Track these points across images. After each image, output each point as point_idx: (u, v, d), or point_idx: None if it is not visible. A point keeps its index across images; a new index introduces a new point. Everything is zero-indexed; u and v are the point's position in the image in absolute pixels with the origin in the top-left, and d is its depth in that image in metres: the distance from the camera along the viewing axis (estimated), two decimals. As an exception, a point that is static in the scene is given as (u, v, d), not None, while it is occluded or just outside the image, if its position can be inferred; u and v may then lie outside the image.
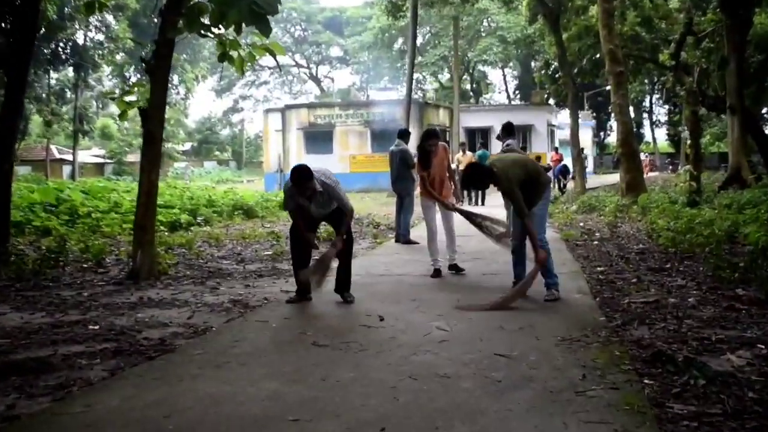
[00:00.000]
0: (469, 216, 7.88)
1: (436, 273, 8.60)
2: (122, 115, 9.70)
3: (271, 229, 14.83)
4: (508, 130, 12.09)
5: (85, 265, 10.03)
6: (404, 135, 12.85)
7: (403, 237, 12.19)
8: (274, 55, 9.02)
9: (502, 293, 6.99)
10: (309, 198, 6.83)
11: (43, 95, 45.60)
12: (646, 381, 4.37)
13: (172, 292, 8.03)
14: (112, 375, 4.83)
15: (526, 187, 6.73)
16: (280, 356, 5.16)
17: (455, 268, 8.81)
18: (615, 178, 29.94)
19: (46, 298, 7.75)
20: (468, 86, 62.17)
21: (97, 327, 6.24)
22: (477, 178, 6.93)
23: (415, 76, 51.78)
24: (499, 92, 72.37)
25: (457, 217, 8.55)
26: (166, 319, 6.57)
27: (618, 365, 4.67)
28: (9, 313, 6.94)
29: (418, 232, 12.49)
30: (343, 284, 7.23)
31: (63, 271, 9.61)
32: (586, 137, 46.66)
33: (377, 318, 6.36)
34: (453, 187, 9.11)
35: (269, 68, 70.33)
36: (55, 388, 4.56)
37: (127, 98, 9.70)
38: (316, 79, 75.03)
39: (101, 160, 58.53)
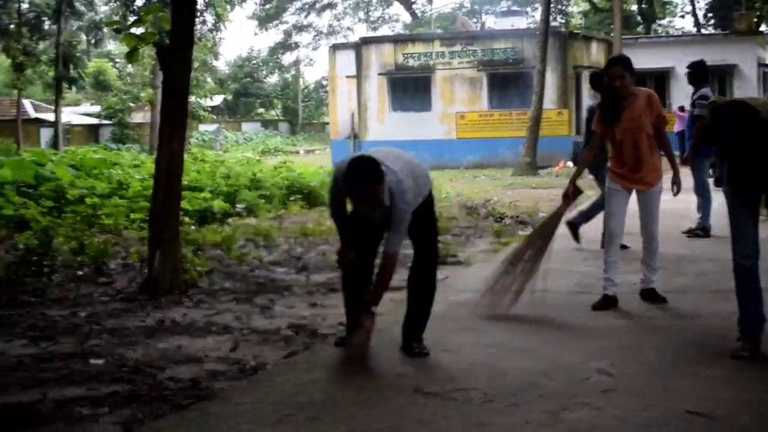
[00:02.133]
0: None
1: (605, 302, 8.01)
2: (131, 55, 9.93)
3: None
4: (699, 71, 11.91)
5: (80, 273, 10.36)
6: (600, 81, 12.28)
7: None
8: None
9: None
10: (370, 208, 6.21)
11: (11, 26, 47.07)
12: None
13: (206, 312, 8.23)
14: (127, 430, 5.00)
15: None
16: (367, 409, 5.26)
17: (651, 297, 8.18)
18: None
19: (27, 319, 8.03)
20: (634, 7, 61.32)
21: (101, 361, 6.46)
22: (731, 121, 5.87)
23: (555, -7, 51.34)
24: (683, 16, 71.17)
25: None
26: (199, 351, 6.75)
27: None
28: (-25, 341, 7.25)
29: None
30: (412, 329, 6.67)
31: (48, 280, 9.95)
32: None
33: (507, 353, 6.38)
34: (672, 165, 8.29)
35: (336, -17, 70.94)
36: (48, 447, 4.76)
37: (137, 30, 9.96)
38: (405, 1, 75.22)
39: (95, 121, 60.11)
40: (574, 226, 11.79)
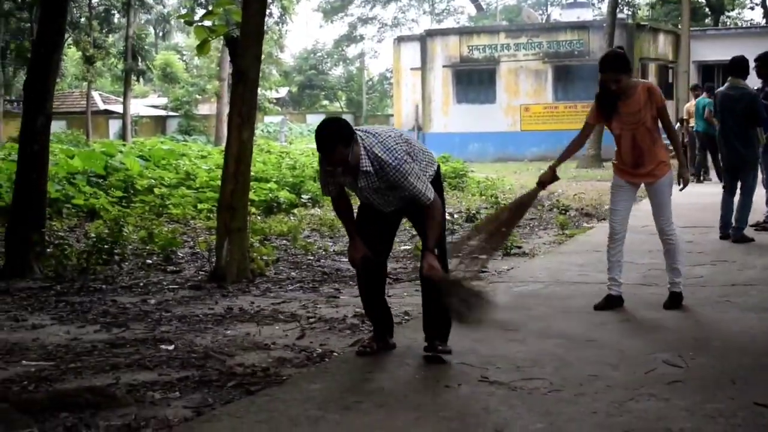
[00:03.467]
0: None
1: (608, 301, 7.71)
2: (202, 47, 10.10)
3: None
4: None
5: (149, 261, 10.56)
6: (739, 68, 11.83)
7: (734, 233, 11.70)
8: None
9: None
10: (353, 177, 5.93)
11: (82, 19, 47.68)
12: None
13: (273, 300, 8.35)
14: (198, 414, 5.09)
15: None
16: (433, 396, 5.31)
17: (674, 301, 7.72)
18: None
19: (99, 305, 8.22)
20: (702, -1, 60.62)
21: (171, 347, 6.58)
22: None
23: (622, -16, 50.93)
24: (752, 8, 70.09)
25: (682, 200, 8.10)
26: (267, 338, 6.85)
27: None
28: (50, 326, 7.43)
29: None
30: (434, 328, 6.27)
31: (119, 268, 10.16)
32: None
33: (573, 344, 6.42)
34: (678, 158, 8.02)
35: (401, -23, 70.98)
36: (121, 429, 4.85)
37: (208, 22, 10.10)
38: (470, -8, 75.09)
39: (162, 113, 60.74)
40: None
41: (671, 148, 8.20)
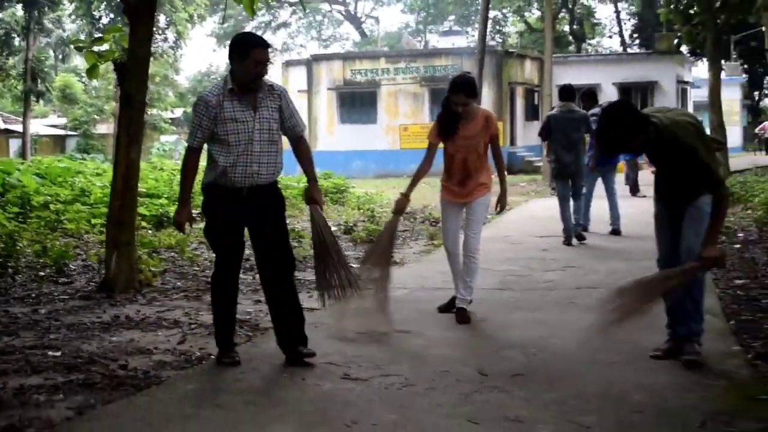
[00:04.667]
0: None
1: (449, 304, 7.77)
2: (92, 71, 10.09)
3: (292, 226, 15.16)
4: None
5: (42, 273, 10.43)
6: (569, 94, 13.11)
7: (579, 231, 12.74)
8: (294, -10, 9.31)
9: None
10: (253, 103, 6.11)
11: (-19, 43, 46.72)
12: (788, 430, 4.54)
13: (158, 309, 8.37)
14: (79, 414, 5.14)
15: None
16: (299, 393, 5.45)
17: (462, 316, 7.51)
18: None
19: (-8, 315, 8.14)
20: (566, 28, 61.98)
21: (58, 353, 6.58)
22: (619, 127, 5.61)
23: (492, 14, 51.89)
24: (610, 36, 72.04)
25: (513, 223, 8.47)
26: (149, 343, 6.89)
27: (752, 409, 4.84)
28: (-58, 335, 7.34)
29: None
30: (292, 333, 6.23)
31: (12, 280, 10.02)
32: (732, 98, 46.32)
33: (429, 344, 6.61)
34: (501, 185, 7.90)
35: (290, 4, 70.99)
36: (6, 430, 4.88)
37: (98, 48, 10.08)
38: (355, 20, 75.45)
39: (61, 132, 59.72)
40: None
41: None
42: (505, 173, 7.97)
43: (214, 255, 6.73)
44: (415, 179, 7.86)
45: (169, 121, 60.19)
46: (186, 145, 6.33)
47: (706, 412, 4.80)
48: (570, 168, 12.52)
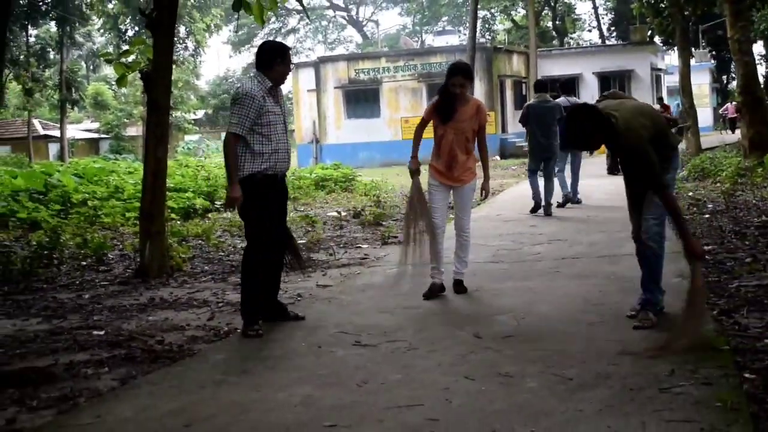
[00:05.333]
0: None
1: (433, 290, 7.49)
2: (120, 80, 10.24)
3: (305, 213, 15.31)
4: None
5: (84, 263, 10.60)
6: (543, 87, 14.24)
7: (546, 208, 13.25)
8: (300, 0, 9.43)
9: (587, 278, 7.29)
10: (279, 100, 6.69)
11: (21, 57, 46.83)
12: (746, 375, 4.68)
13: (189, 290, 8.53)
14: (123, 384, 5.31)
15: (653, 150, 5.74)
16: (315, 358, 5.60)
17: (460, 287, 7.60)
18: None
19: (41, 301, 8.31)
20: (549, 24, 61.89)
21: (102, 332, 6.75)
22: (583, 131, 5.76)
23: (482, 14, 51.83)
24: (590, 30, 71.87)
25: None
26: (182, 321, 7.06)
27: (714, 358, 4.97)
28: (-1, 321, 7.51)
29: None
30: (276, 292, 6.96)
31: (58, 270, 10.20)
32: (702, 82, 46.28)
33: (430, 312, 6.78)
34: (484, 172, 7.77)
35: (297, 12, 70.95)
36: (59, 399, 5.04)
37: (126, 59, 10.22)
38: (357, 24, 75.43)
39: (95, 136, 59.94)
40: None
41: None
42: (488, 162, 7.85)
43: (237, 242, 6.88)
44: (416, 143, 7.68)
45: (192, 122, 60.46)
46: (231, 132, 6.40)
47: (674, 362, 4.92)
48: (545, 150, 13.32)
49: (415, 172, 7.56)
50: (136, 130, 55.35)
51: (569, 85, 14.86)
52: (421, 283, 7.72)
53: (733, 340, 5.41)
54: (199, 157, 44.07)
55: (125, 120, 56.92)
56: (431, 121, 7.61)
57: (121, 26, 51.26)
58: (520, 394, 4.57)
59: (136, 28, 48.99)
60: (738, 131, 29.62)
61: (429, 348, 5.67)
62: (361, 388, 4.86)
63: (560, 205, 13.80)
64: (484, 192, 7.82)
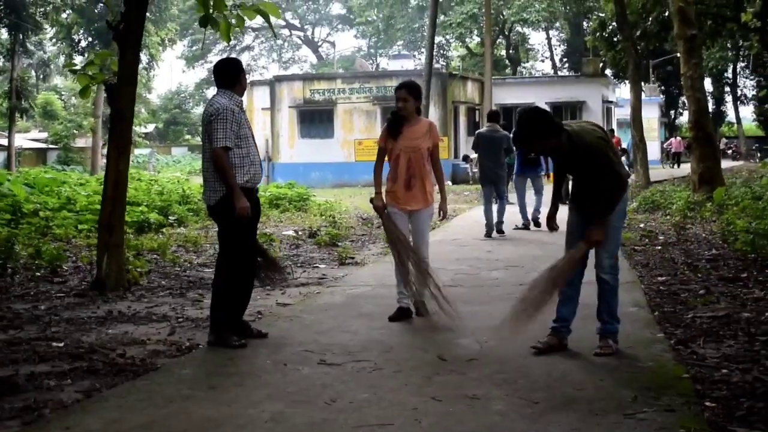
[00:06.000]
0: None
1: (400, 313, 7.44)
2: (84, 92, 10.19)
3: (263, 231, 15.29)
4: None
5: (38, 274, 10.48)
6: (496, 116, 15.05)
7: (498, 227, 14.06)
8: (267, 18, 9.48)
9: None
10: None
11: (-31, 64, 46.23)
12: (707, 403, 4.82)
13: (147, 305, 8.49)
14: (87, 396, 5.28)
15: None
16: (282, 376, 5.62)
17: (421, 308, 7.47)
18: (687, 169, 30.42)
19: (-5, 312, 8.20)
20: (503, 53, 62.61)
21: (62, 344, 6.68)
22: (533, 129, 5.91)
23: (437, 40, 52.21)
24: (543, 60, 72.96)
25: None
26: (142, 335, 7.01)
27: (675, 386, 5.10)
28: (-46, 331, 7.39)
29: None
30: (244, 308, 6.98)
31: (12, 280, 10.07)
32: (651, 116, 47.11)
33: (395, 333, 6.84)
34: (441, 192, 7.88)
35: (253, 30, 70.93)
36: (23, 410, 5.00)
37: (90, 70, 10.17)
38: (312, 44, 75.63)
39: (43, 146, 59.21)
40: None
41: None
42: (444, 182, 7.90)
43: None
44: (377, 180, 7.73)
45: (143, 135, 60.09)
46: (220, 147, 6.44)
47: (637, 389, 5.05)
48: (492, 175, 14.14)
49: (380, 208, 7.59)
50: (85, 142, 54.84)
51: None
52: (383, 305, 7.80)
53: (692, 369, 5.55)
54: (150, 171, 43.83)
55: (74, 131, 56.31)
56: (387, 148, 7.63)
57: (75, 36, 50.76)
58: (488, 416, 4.65)
59: (90, 39, 48.61)
60: (683, 165, 30.31)
61: (395, 368, 5.73)
62: (330, 406, 4.90)
63: (525, 227, 14.75)
64: (441, 212, 7.82)
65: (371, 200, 7.72)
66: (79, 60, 40.21)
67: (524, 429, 4.42)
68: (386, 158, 7.73)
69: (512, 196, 15.92)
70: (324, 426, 4.54)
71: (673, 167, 45.49)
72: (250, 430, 4.50)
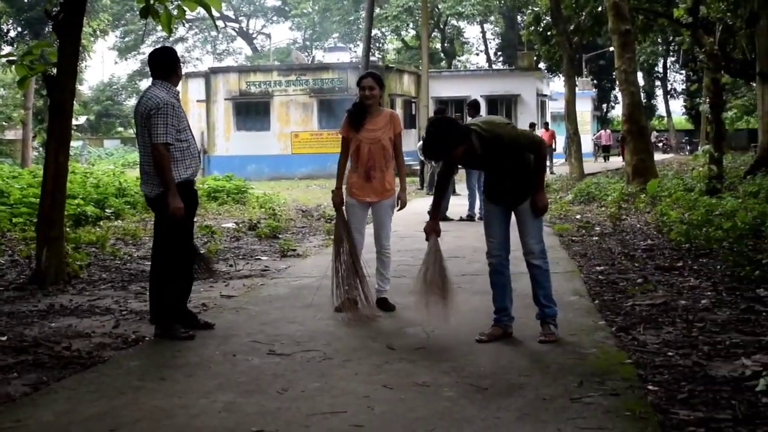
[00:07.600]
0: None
1: (346, 305, 7.34)
2: (22, 83, 10.02)
3: (202, 223, 15.22)
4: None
5: (-27, 268, 10.34)
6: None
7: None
8: (208, 9, 9.43)
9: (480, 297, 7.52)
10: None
11: None
12: (649, 387, 4.97)
13: (89, 298, 8.43)
14: (35, 390, 5.25)
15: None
16: (231, 366, 5.65)
17: (383, 304, 7.55)
18: (620, 161, 30.95)
19: (-71, 309, 8.08)
20: (438, 46, 62.92)
21: (4, 338, 6.62)
22: (441, 141, 6.03)
23: (374, 32, 52.31)
24: (477, 54, 73.39)
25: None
26: (87, 328, 6.98)
27: (618, 371, 5.25)
28: None
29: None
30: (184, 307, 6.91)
31: (-54, 274, 9.92)
32: (584, 110, 47.76)
33: (340, 324, 6.90)
34: (401, 182, 7.76)
35: (187, 21, 70.19)
36: (-32, 405, 4.96)
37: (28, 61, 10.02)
38: (247, 36, 75.14)
39: (-30, 138, 58.05)
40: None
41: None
42: (405, 172, 7.91)
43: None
44: (340, 173, 7.72)
45: (74, 127, 59.09)
46: (161, 143, 6.38)
47: (582, 374, 5.18)
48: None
49: (337, 204, 7.61)
50: (14, 134, 53.82)
51: (476, 105, 15.33)
52: (328, 296, 7.76)
53: (634, 355, 5.71)
54: (83, 164, 43.22)
55: (4, 123, 55.25)
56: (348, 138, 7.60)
57: (3, 26, 49.75)
58: (439, 402, 4.74)
59: (19, 29, 47.69)
60: (612, 159, 30.82)
61: (344, 358, 5.80)
62: (282, 395, 4.95)
63: (470, 219, 15.10)
64: (400, 202, 7.77)
65: (332, 199, 7.69)
66: (6, 50, 39.38)
67: (475, 414, 4.51)
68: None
69: (460, 187, 16.25)
70: (278, 414, 4.58)
71: (600, 160, 46.21)
72: (203, 420, 4.52)
